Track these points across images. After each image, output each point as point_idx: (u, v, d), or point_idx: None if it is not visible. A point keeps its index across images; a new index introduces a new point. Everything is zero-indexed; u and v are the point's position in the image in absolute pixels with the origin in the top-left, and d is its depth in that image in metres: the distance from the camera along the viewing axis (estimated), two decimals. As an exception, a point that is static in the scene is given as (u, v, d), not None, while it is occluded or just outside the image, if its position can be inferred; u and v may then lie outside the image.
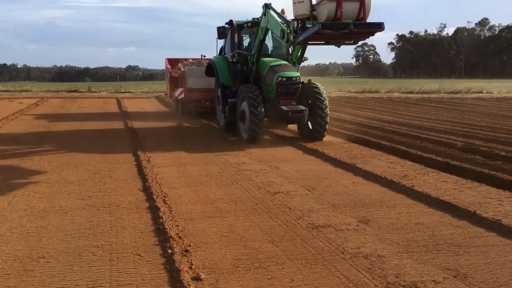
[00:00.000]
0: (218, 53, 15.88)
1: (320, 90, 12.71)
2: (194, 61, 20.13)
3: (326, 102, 12.58)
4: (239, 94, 12.75)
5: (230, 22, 13.90)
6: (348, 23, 9.72)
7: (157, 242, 5.23)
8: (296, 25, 10.60)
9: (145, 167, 8.97)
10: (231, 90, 13.62)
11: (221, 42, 15.53)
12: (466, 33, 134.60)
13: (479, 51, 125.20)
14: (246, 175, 8.64)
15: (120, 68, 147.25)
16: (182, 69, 18.83)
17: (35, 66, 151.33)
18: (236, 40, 13.89)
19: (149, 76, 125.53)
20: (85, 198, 7.04)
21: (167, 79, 20.66)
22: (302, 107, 12.20)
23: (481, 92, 40.01)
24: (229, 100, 13.41)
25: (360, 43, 12.81)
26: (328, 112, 12.58)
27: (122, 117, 18.77)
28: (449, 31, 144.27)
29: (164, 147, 11.57)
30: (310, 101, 12.63)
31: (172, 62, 20.53)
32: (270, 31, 12.39)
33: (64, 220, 6.03)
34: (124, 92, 38.01)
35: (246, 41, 14.50)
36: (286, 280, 4.33)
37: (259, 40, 12.66)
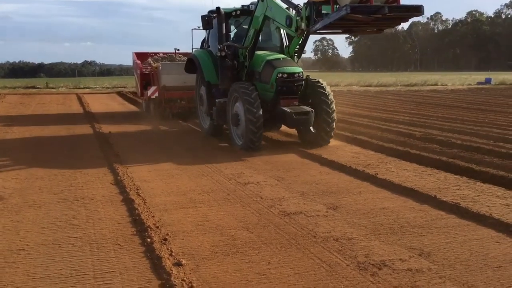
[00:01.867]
0: (200, 46, 13.75)
1: (325, 89, 10.83)
2: (166, 56, 18.30)
3: (333, 105, 10.74)
4: (231, 93, 10.83)
5: (218, 10, 11.59)
6: (382, 6, 8.18)
7: (135, 232, 5.36)
8: (309, 11, 9.09)
9: (115, 162, 9.01)
10: (218, 89, 11.76)
11: (198, 35, 13.43)
12: (420, 27, 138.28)
13: (433, 44, 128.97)
14: (215, 167, 8.81)
15: (76, 63, 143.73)
16: (153, 65, 16.82)
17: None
18: (224, 31, 11.58)
19: (106, 71, 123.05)
20: (57, 193, 7.07)
21: (136, 76, 18.37)
22: (308, 108, 10.41)
23: (436, 84, 41.47)
24: (216, 100, 11.59)
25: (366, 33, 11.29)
26: (335, 117, 10.81)
27: (87, 118, 16.79)
28: (405, 25, 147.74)
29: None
30: (311, 101, 10.84)
31: (141, 56, 18.40)
32: (269, 20, 10.46)
33: (39, 214, 6.08)
34: (84, 88, 37.38)
35: (232, 33, 12.21)
36: (264, 263, 4.56)
37: (255, 30, 10.74)
